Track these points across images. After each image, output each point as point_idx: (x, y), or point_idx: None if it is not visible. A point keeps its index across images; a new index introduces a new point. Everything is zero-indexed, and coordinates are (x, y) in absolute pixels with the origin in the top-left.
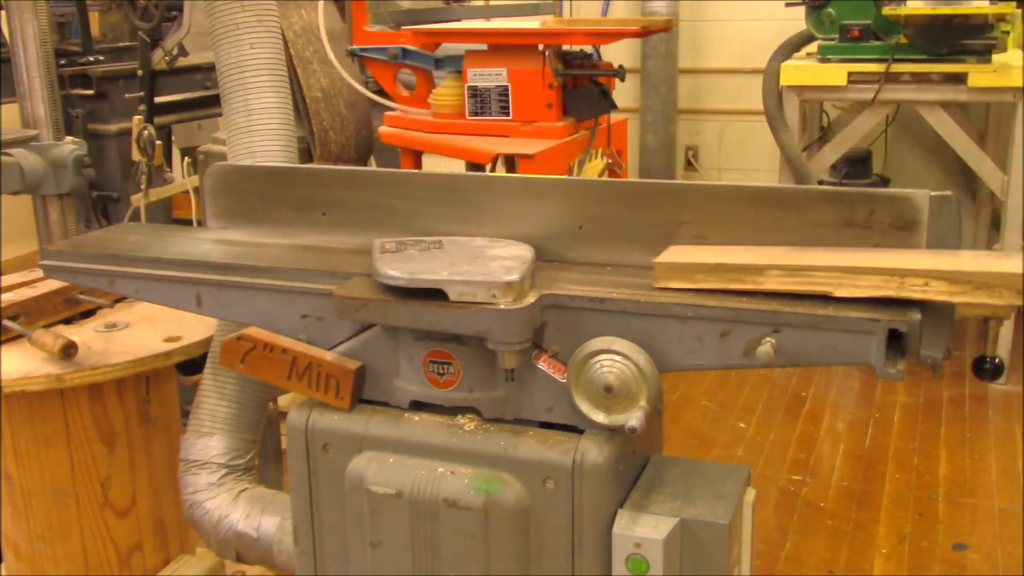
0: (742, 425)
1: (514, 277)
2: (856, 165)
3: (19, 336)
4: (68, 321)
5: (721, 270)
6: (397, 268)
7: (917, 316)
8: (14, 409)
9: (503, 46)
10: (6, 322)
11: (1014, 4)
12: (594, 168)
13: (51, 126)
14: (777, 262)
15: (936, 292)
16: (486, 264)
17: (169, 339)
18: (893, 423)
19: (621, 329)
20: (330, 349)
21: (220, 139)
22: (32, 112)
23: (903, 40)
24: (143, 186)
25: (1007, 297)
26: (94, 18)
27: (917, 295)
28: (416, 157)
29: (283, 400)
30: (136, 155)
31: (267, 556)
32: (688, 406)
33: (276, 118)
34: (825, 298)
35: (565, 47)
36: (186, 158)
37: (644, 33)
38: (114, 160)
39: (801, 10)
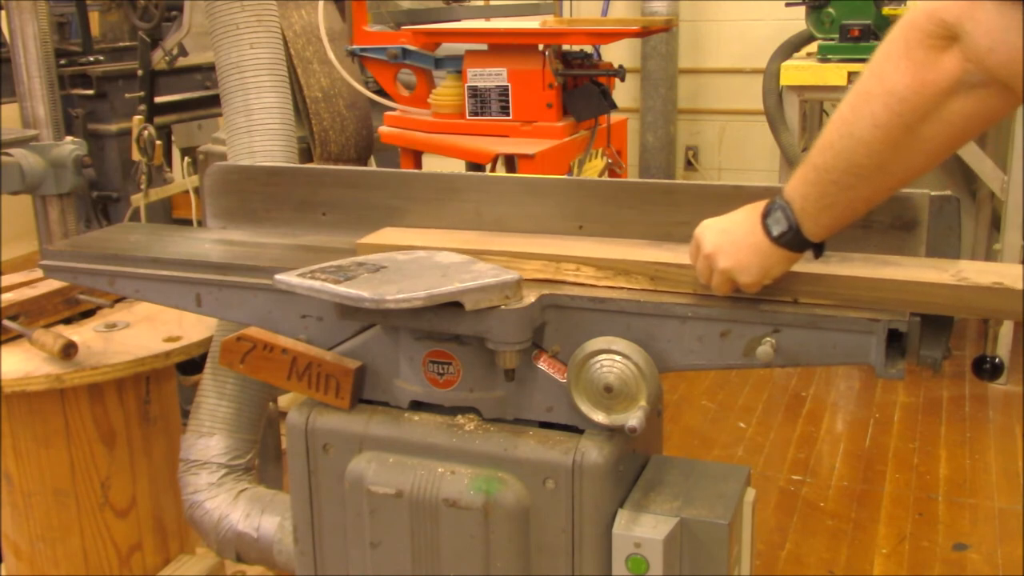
0: (742, 425)
1: (515, 276)
2: None
3: (19, 336)
4: (68, 321)
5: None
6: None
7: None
8: (14, 409)
9: (503, 46)
10: (6, 322)
11: None
12: (594, 168)
13: (51, 126)
14: (459, 246)
15: (585, 277)
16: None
17: (169, 339)
18: (893, 423)
19: (621, 329)
20: (330, 349)
21: (220, 139)
22: (32, 112)
23: None
24: (143, 186)
25: (641, 282)
26: (94, 18)
27: (570, 278)
28: (416, 157)
29: (283, 400)
30: (136, 155)
31: (267, 556)
32: (688, 406)
33: (276, 118)
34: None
35: (565, 47)
36: (186, 158)
37: (644, 33)
38: (114, 160)
39: (801, 10)
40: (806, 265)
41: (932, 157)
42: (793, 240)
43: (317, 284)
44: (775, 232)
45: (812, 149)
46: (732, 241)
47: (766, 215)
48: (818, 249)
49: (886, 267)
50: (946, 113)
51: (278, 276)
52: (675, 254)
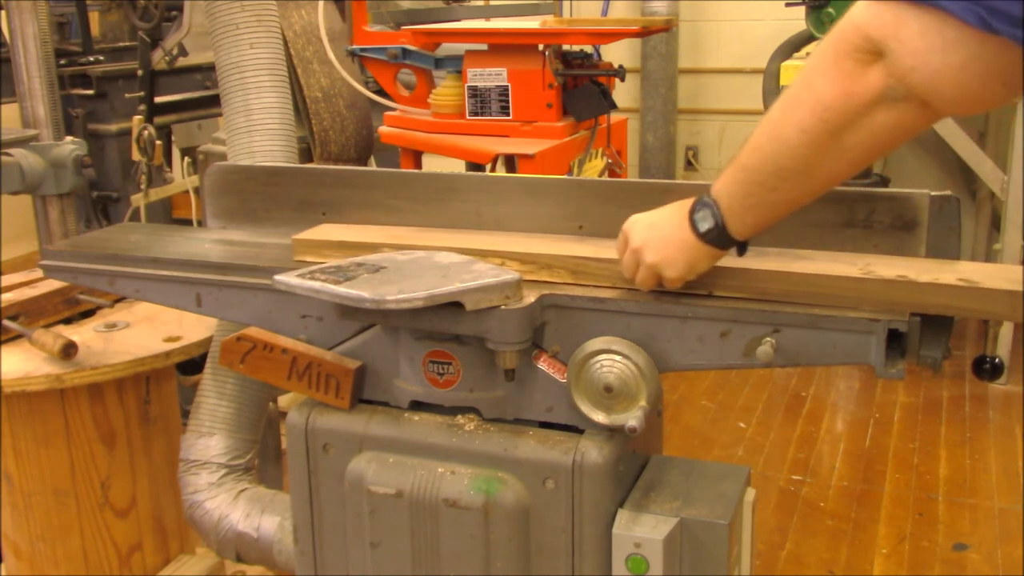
0: (742, 425)
1: (515, 276)
2: None
3: (19, 336)
4: (68, 321)
5: (343, 246)
6: (403, 291)
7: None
8: (14, 409)
9: (503, 46)
10: (6, 322)
11: None
12: (594, 168)
13: (51, 126)
14: (390, 240)
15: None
16: (466, 270)
17: (169, 339)
18: (893, 423)
19: (621, 329)
20: (330, 349)
21: (220, 139)
22: (32, 112)
23: None
24: (143, 186)
25: (563, 276)
26: (94, 18)
27: None
28: (416, 157)
29: (283, 400)
30: (136, 155)
31: (267, 556)
32: (688, 406)
33: (276, 118)
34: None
35: (565, 47)
36: (186, 158)
37: (644, 33)
38: (114, 160)
39: (801, 10)
40: (729, 260)
41: (854, 164)
42: (719, 237)
43: (317, 285)
44: (702, 229)
45: (741, 150)
46: (660, 236)
47: (693, 211)
48: (741, 247)
49: (798, 261)
50: (869, 123)
51: (277, 277)
52: (597, 248)
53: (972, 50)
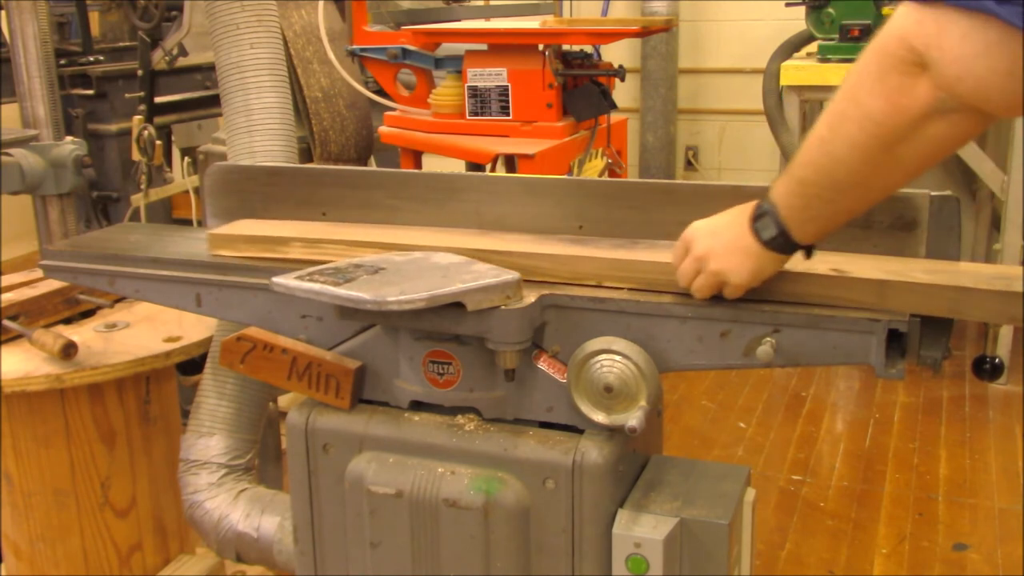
0: (742, 425)
1: (516, 276)
2: None
3: (19, 336)
4: (68, 321)
5: (255, 241)
6: (404, 292)
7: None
8: (14, 409)
9: (503, 46)
10: (6, 322)
11: None
12: (594, 168)
13: (51, 126)
14: (300, 235)
15: None
16: (466, 271)
17: (169, 339)
18: (893, 423)
19: (621, 329)
20: (330, 349)
21: (220, 139)
22: (32, 112)
23: None
24: (143, 186)
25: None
26: (94, 18)
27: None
28: (416, 157)
29: (283, 400)
30: (136, 155)
31: (267, 556)
32: (688, 406)
33: (276, 118)
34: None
35: (565, 47)
36: (186, 158)
37: (644, 33)
38: (114, 160)
39: (801, 10)
40: (612, 252)
41: (912, 173)
42: (783, 245)
43: (316, 287)
44: (765, 237)
45: (794, 162)
46: (723, 244)
47: (755, 219)
48: (808, 250)
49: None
50: (923, 135)
51: (275, 279)
52: (494, 241)
53: (1017, 52)
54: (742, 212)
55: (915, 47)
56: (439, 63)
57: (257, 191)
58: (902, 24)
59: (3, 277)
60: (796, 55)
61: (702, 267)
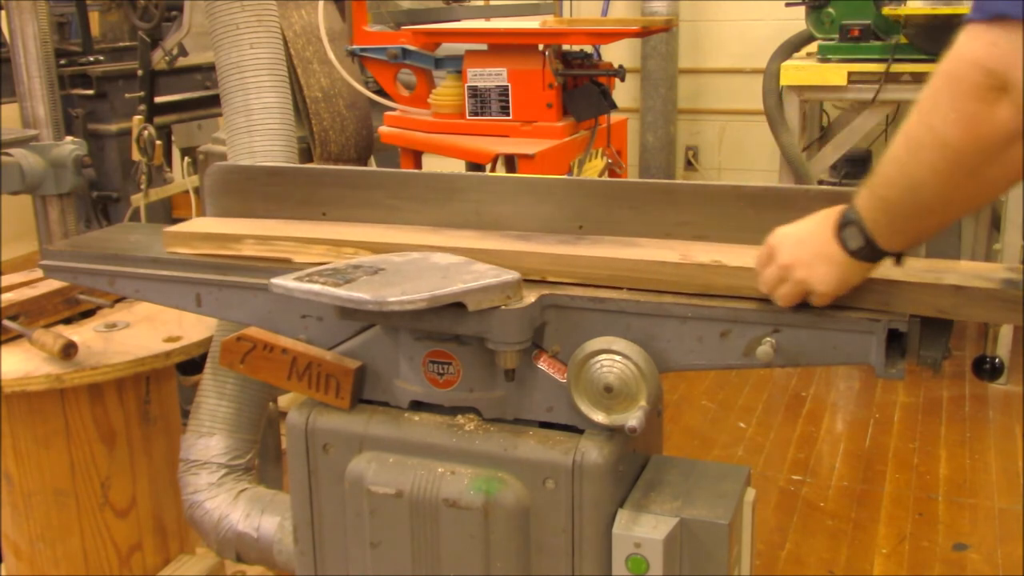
0: (742, 425)
1: (516, 276)
2: (856, 165)
3: (19, 336)
4: (68, 321)
5: (209, 238)
6: (405, 292)
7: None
8: (14, 409)
9: (503, 46)
10: (6, 322)
11: None
12: (594, 168)
13: (51, 126)
14: (254, 232)
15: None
16: (466, 271)
17: (169, 339)
18: (893, 423)
19: (621, 329)
20: (330, 349)
21: (220, 139)
22: (32, 112)
23: (903, 40)
24: (143, 186)
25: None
26: (94, 18)
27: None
28: (416, 157)
29: (283, 400)
30: (136, 155)
31: (267, 556)
32: (688, 406)
33: (276, 118)
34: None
35: (565, 47)
36: (186, 158)
37: (644, 33)
38: (114, 160)
39: (801, 10)
40: (557, 247)
41: (998, 191)
42: (871, 254)
43: (316, 288)
44: (852, 247)
45: (875, 179)
46: (809, 252)
47: (840, 228)
48: (898, 256)
49: (627, 248)
50: (1006, 159)
51: (274, 280)
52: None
53: None
54: (826, 219)
55: (994, 70)
56: (439, 63)
57: (257, 191)
58: (971, 47)
59: (3, 277)
60: (796, 55)
61: (788, 275)
